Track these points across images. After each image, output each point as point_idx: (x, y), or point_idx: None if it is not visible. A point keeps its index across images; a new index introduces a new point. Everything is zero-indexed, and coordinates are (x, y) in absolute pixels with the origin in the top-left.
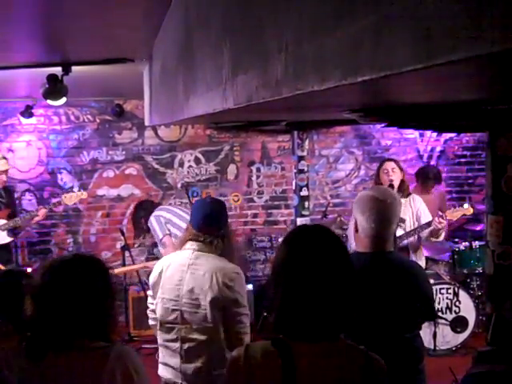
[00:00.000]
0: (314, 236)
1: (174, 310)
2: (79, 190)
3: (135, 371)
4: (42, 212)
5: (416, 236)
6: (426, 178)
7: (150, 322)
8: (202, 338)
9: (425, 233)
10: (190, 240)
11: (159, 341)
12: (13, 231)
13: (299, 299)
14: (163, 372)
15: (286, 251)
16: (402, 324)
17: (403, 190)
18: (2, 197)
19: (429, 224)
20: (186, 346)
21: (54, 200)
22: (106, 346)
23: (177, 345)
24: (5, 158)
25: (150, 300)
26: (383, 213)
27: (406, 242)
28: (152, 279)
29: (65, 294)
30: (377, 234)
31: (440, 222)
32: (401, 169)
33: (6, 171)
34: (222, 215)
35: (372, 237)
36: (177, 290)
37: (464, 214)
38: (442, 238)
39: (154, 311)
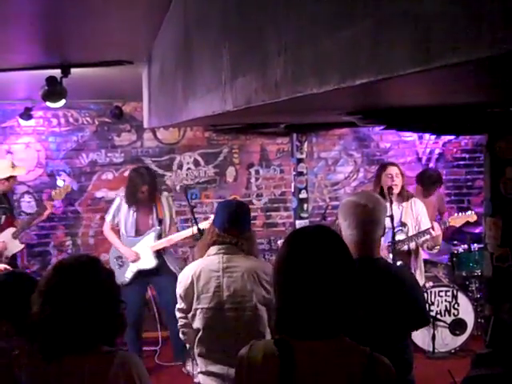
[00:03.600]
0: (313, 235)
1: (217, 318)
2: (64, 184)
3: (139, 379)
4: (50, 206)
5: (415, 242)
6: (430, 181)
7: (182, 337)
8: (250, 338)
9: (421, 241)
10: (215, 243)
11: (199, 350)
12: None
13: (299, 297)
14: (207, 381)
15: (286, 250)
16: (388, 334)
17: (403, 195)
18: (2, 202)
19: (426, 232)
20: (233, 350)
21: (53, 202)
22: (110, 350)
23: (223, 351)
24: (13, 165)
25: (179, 314)
26: (364, 218)
27: (406, 246)
28: (182, 291)
29: (75, 294)
30: (359, 239)
31: (435, 230)
32: (402, 174)
33: (11, 178)
34: (247, 217)
35: (355, 243)
36: (217, 297)
37: (468, 221)
38: (436, 250)
39: (185, 325)
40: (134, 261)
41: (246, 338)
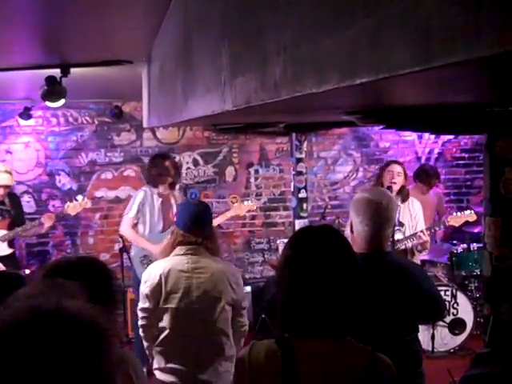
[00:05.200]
0: (318, 234)
1: (185, 318)
2: (83, 199)
3: (135, 374)
4: (49, 219)
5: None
6: (428, 176)
7: (142, 335)
8: (217, 337)
9: (410, 244)
10: (180, 244)
11: (161, 349)
12: (12, 241)
13: (302, 296)
14: (162, 377)
15: (291, 249)
16: (400, 326)
17: (403, 195)
18: (4, 204)
19: (415, 236)
20: (197, 349)
21: (52, 202)
22: None
23: (188, 350)
24: (9, 172)
25: (142, 314)
26: (378, 215)
27: (404, 246)
28: (149, 290)
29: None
30: (371, 236)
31: (424, 235)
32: (405, 175)
33: (6, 186)
34: (208, 216)
35: (366, 238)
36: (186, 297)
37: (467, 221)
38: (425, 252)
39: (146, 325)
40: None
41: (213, 337)
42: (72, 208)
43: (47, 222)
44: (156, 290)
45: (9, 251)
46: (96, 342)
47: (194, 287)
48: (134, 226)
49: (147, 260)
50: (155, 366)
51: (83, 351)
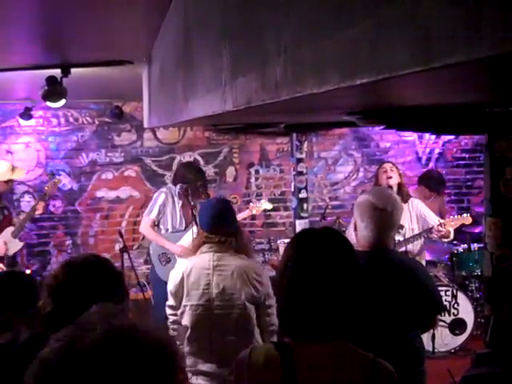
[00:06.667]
0: (320, 237)
1: (205, 315)
2: (53, 179)
3: None
4: (40, 205)
5: (420, 240)
6: (436, 182)
7: (172, 333)
8: (239, 336)
9: (433, 236)
10: (205, 243)
11: (189, 349)
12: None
13: (302, 299)
14: (195, 379)
15: (292, 251)
16: (402, 324)
17: (402, 195)
18: (0, 202)
19: (430, 230)
20: (221, 348)
21: (53, 202)
22: None
23: (211, 349)
24: (13, 168)
25: (169, 311)
26: (382, 222)
27: (404, 248)
28: (172, 288)
29: (78, 293)
30: (375, 239)
31: (439, 231)
32: (399, 172)
33: (9, 181)
34: (230, 213)
35: (370, 242)
36: (206, 294)
37: (463, 224)
38: (451, 237)
39: (175, 322)
40: (181, 255)
41: (234, 336)
42: (50, 190)
43: (39, 208)
44: (179, 288)
45: (21, 245)
46: (169, 361)
47: (213, 284)
48: (154, 225)
49: (165, 257)
50: (187, 368)
51: (159, 370)
